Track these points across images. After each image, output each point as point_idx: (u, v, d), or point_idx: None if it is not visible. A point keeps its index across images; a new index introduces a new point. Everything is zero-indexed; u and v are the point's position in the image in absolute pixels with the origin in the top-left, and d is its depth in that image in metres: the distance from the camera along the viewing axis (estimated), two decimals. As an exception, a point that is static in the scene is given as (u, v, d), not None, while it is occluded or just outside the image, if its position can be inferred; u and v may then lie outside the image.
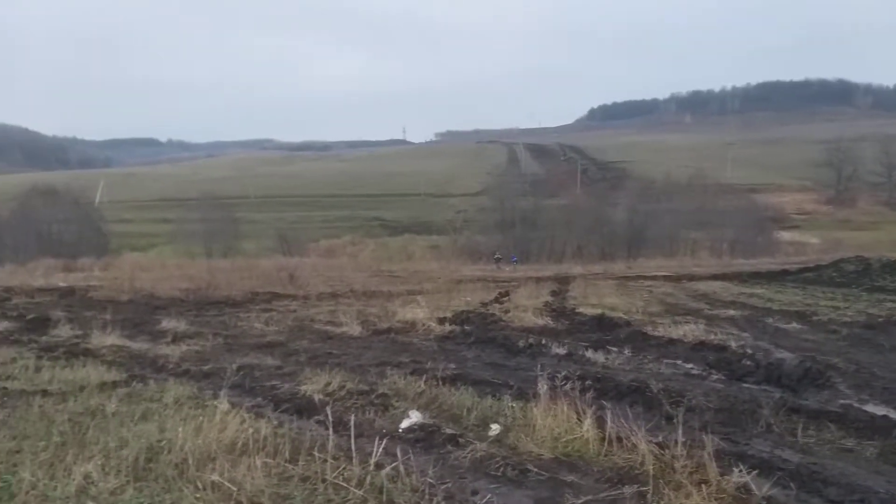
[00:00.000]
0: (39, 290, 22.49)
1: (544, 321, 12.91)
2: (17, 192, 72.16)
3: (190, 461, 4.17)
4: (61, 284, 25.08)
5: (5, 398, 6.27)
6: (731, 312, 14.90)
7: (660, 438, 4.58)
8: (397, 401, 6.11)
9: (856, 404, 6.23)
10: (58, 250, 54.53)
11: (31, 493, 3.76)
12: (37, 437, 4.81)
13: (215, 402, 5.41)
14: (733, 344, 9.52)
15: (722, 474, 3.90)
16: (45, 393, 6.41)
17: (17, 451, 4.48)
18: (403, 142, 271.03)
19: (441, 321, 12.58)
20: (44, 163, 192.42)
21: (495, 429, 5.16)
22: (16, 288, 22.82)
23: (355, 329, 11.83)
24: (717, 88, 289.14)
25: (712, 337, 10.20)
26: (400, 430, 5.15)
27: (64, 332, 11.36)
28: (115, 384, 6.88)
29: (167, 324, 12.47)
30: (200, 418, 4.96)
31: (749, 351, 8.96)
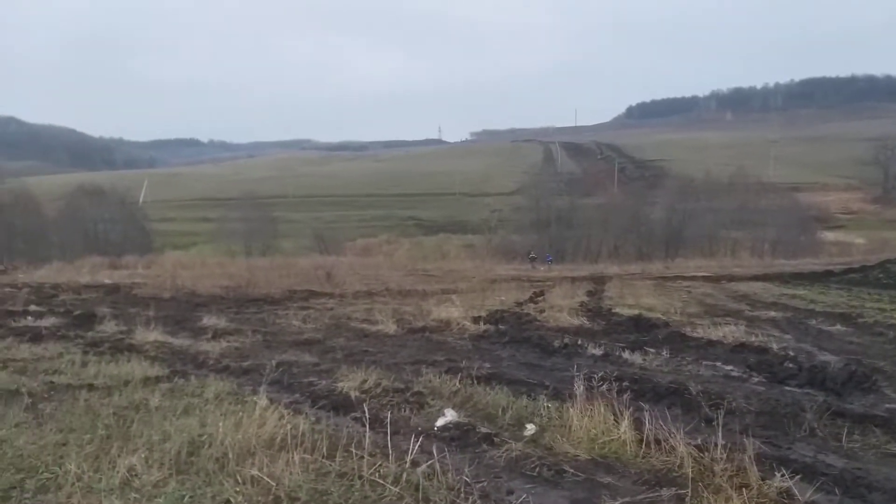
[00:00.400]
0: (86, 286, 23.10)
1: (580, 321, 12.78)
2: (65, 192, 74.29)
3: (230, 455, 4.24)
4: (107, 281, 25.73)
5: (52, 392, 6.43)
6: (773, 314, 14.56)
7: (699, 441, 4.50)
8: (432, 399, 6.12)
9: (903, 409, 6.03)
10: (103, 248, 56.08)
11: (77, 484, 3.85)
12: (83, 431, 4.93)
13: (254, 398, 5.48)
14: (775, 346, 9.29)
15: (763, 479, 3.81)
16: (90, 387, 6.55)
17: (64, 444, 4.60)
18: (439, 141, 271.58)
19: (475, 320, 12.55)
20: (91, 163, 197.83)
21: (531, 429, 5.13)
22: (63, 285, 23.50)
23: (391, 327, 11.87)
24: (759, 85, 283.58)
25: (753, 339, 9.97)
26: (435, 429, 5.16)
27: (109, 328, 11.62)
28: (157, 379, 7.02)
29: (208, 321, 12.68)
30: (240, 414, 5.04)
31: (791, 353, 8.73)
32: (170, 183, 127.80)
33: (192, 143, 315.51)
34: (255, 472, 3.90)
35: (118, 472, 3.96)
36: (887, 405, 6.15)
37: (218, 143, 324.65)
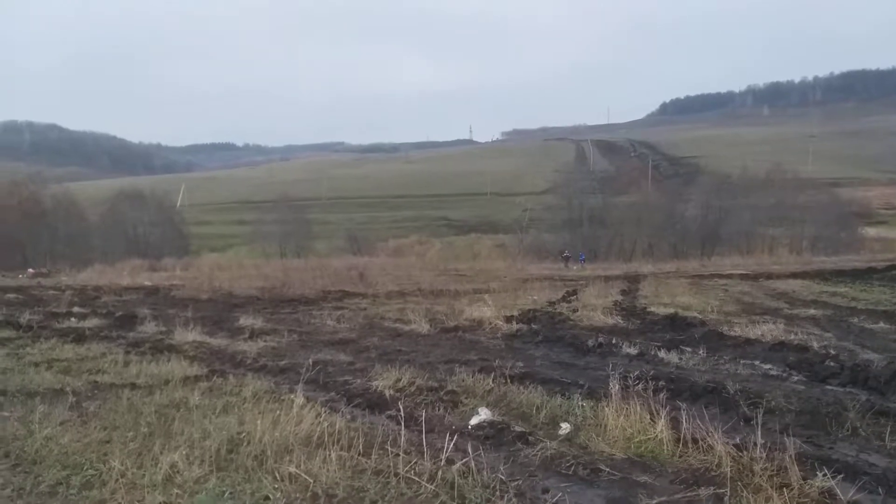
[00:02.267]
0: (126, 288, 23.66)
1: (614, 320, 12.64)
2: (106, 197, 76.02)
3: (268, 452, 4.31)
4: (146, 283, 26.30)
5: (96, 391, 6.61)
6: (813, 312, 14.21)
7: (738, 440, 4.43)
8: (466, 398, 6.12)
9: (951, 409, 5.84)
10: (143, 251, 57.41)
11: (121, 481, 3.96)
12: (126, 428, 5.05)
13: (291, 397, 5.56)
14: (815, 344, 9.07)
15: (804, 478, 3.74)
16: (132, 386, 6.71)
17: (108, 442, 4.71)
18: (470, 142, 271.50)
19: (508, 320, 12.51)
20: (131, 168, 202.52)
21: (565, 427, 5.10)
22: (105, 287, 24.11)
23: (424, 327, 11.91)
24: (797, 79, 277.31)
25: (792, 337, 9.75)
26: (469, 427, 5.16)
27: (149, 328, 11.88)
28: (197, 378, 7.15)
29: (244, 321, 12.87)
30: (277, 412, 5.11)
31: (832, 352, 8.51)
32: (206, 187, 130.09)
33: (228, 148, 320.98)
34: (292, 468, 3.96)
35: (160, 468, 4.05)
36: (933, 405, 5.97)
37: (253, 147, 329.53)
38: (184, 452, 4.28)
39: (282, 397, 5.89)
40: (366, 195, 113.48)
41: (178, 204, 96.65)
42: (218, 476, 4.01)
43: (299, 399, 5.32)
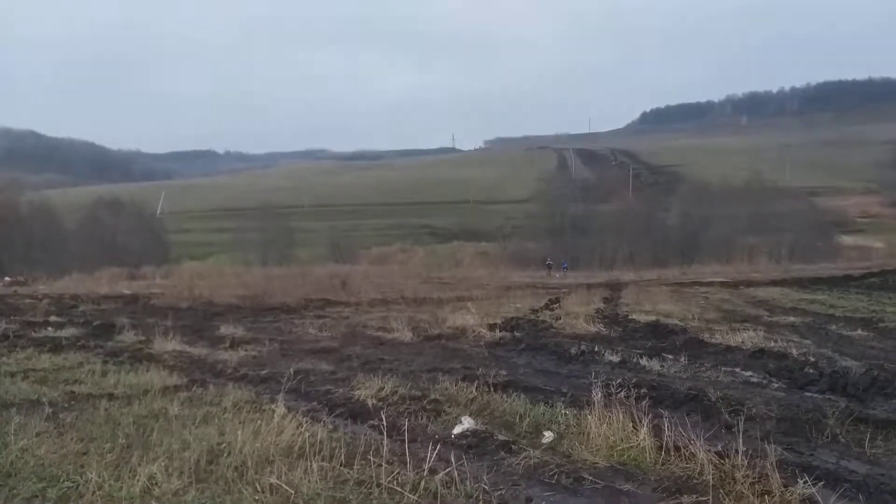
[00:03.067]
0: (105, 297, 23.36)
1: (596, 328, 12.70)
2: (85, 204, 75.17)
3: (249, 464, 4.26)
4: (125, 292, 26.00)
5: (73, 401, 6.49)
6: (792, 319, 14.40)
7: (719, 448, 4.45)
8: (449, 406, 6.10)
9: (928, 415, 5.93)
10: (122, 259, 56.59)
11: (98, 493, 3.88)
12: (103, 439, 4.96)
13: (272, 407, 5.50)
14: (795, 351, 9.17)
15: (785, 485, 3.76)
16: (110, 396, 6.61)
17: (85, 453, 4.63)
18: (453, 150, 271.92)
19: (491, 328, 12.52)
20: (109, 176, 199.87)
21: (548, 436, 5.10)
22: (83, 295, 23.78)
23: (406, 335, 11.87)
24: (774, 89, 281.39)
25: (772, 344, 9.85)
26: (452, 436, 5.14)
27: (128, 337, 11.73)
28: (176, 388, 7.07)
29: (225, 330, 12.77)
30: (258, 422, 5.05)
31: (812, 359, 8.62)
32: (186, 194, 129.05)
33: (209, 155, 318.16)
34: (273, 479, 3.91)
35: (138, 480, 3.98)
36: (911, 411, 6.05)
37: (234, 154, 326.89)
38: (162, 464, 4.22)
39: (263, 407, 5.83)
40: (349, 203, 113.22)
41: (158, 211, 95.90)
42: (197, 488, 3.95)
43: (280, 409, 5.27)
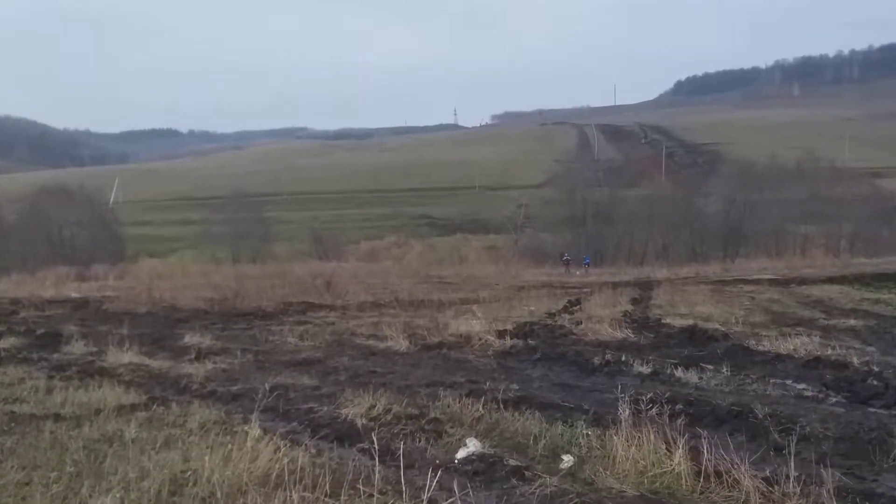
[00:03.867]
0: (50, 301, 23.39)
1: (624, 334, 12.73)
2: (25, 193, 75.13)
3: (218, 494, 4.28)
4: (74, 295, 26.03)
5: (13, 423, 6.51)
6: (853, 322, 14.42)
7: (767, 473, 4.46)
8: (452, 427, 6.12)
9: None
10: (70, 257, 56.71)
11: (44, 528, 3.90)
12: (48, 467, 4.98)
13: (245, 428, 5.52)
14: (856, 360, 9.19)
15: (845, 516, 3.78)
16: (57, 417, 6.64)
17: (27, 483, 4.65)
18: (455, 126, 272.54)
19: (501, 334, 12.55)
20: (54, 159, 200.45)
21: (568, 460, 5.12)
22: (24, 300, 23.80)
23: (402, 344, 11.90)
24: (831, 53, 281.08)
25: (829, 352, 9.89)
26: (456, 461, 5.16)
27: (77, 348, 11.76)
28: (133, 407, 7.09)
29: (190, 339, 12.79)
30: (229, 446, 5.07)
31: (876, 368, 8.65)
32: (145, 180, 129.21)
33: (170, 134, 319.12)
34: (247, 513, 3.92)
35: (90, 514, 3.99)
36: None
37: (199, 134, 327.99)
38: (117, 495, 4.24)
39: (234, 429, 5.85)
40: (333, 189, 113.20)
41: (112, 201, 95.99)
42: (158, 523, 3.96)
43: (255, 431, 5.28)
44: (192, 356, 10.79)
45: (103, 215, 76.84)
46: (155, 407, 7.07)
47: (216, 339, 12.98)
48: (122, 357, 10.27)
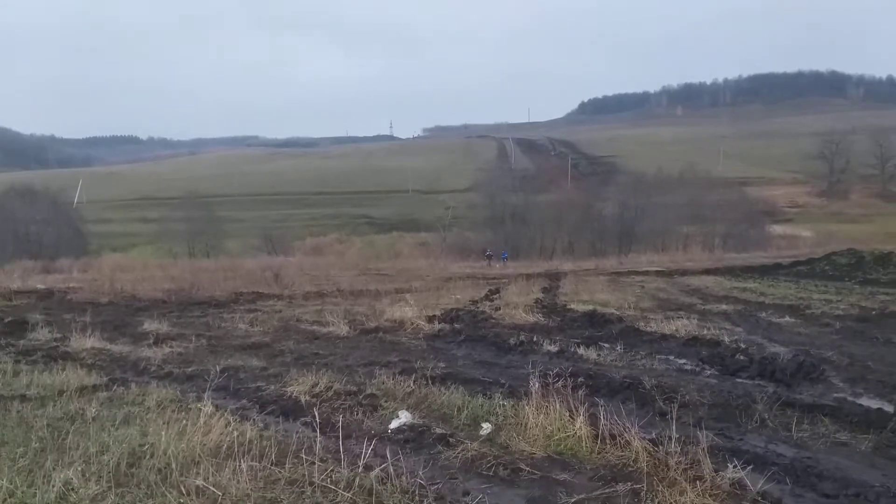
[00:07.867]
0: (17, 292, 22.21)
1: (535, 318, 12.90)
2: (-7, 193, 71.27)
3: (173, 466, 4.15)
4: (39, 286, 24.79)
5: (-19, 404, 6.19)
6: (724, 307, 14.98)
7: (653, 435, 4.60)
8: (386, 401, 6.09)
9: (850, 398, 6.29)
10: (36, 252, 54.14)
11: (10, 500, 3.72)
12: (15, 444, 4.76)
13: (199, 405, 5.37)
14: (726, 339, 9.55)
15: (716, 470, 3.93)
16: (23, 398, 6.34)
17: (-5, 459, 4.42)
18: (391, 137, 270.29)
19: (430, 319, 12.54)
20: (21, 162, 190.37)
21: (486, 428, 5.16)
22: (-8, 291, 22.54)
23: (342, 329, 11.77)
24: (708, 81, 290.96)
25: (705, 332, 10.23)
26: (389, 431, 5.14)
27: (42, 335, 11.22)
28: (95, 388, 6.81)
29: (149, 326, 12.36)
30: (184, 422, 4.93)
31: (742, 346, 9.01)
32: (107, 182, 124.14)
33: (131, 141, 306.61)
34: (200, 482, 3.82)
35: (53, 486, 3.82)
36: (835, 395, 6.41)
37: (158, 141, 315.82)
38: (79, 468, 4.06)
39: (188, 406, 5.68)
40: (281, 192, 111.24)
41: (76, 200, 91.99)
42: (117, 492, 3.81)
43: (207, 407, 5.14)
44: (151, 341, 10.44)
45: (68, 213, 73.82)
46: (115, 387, 6.81)
47: (173, 326, 12.57)
48: (85, 342, 9.83)
